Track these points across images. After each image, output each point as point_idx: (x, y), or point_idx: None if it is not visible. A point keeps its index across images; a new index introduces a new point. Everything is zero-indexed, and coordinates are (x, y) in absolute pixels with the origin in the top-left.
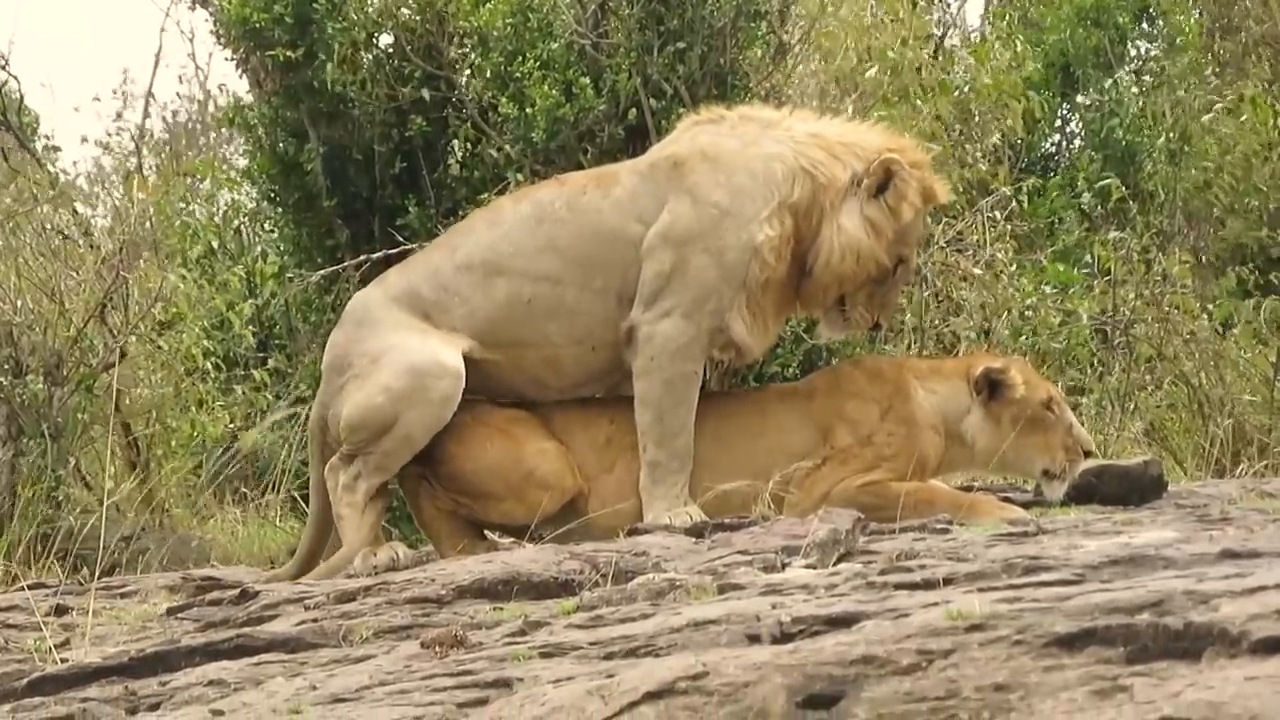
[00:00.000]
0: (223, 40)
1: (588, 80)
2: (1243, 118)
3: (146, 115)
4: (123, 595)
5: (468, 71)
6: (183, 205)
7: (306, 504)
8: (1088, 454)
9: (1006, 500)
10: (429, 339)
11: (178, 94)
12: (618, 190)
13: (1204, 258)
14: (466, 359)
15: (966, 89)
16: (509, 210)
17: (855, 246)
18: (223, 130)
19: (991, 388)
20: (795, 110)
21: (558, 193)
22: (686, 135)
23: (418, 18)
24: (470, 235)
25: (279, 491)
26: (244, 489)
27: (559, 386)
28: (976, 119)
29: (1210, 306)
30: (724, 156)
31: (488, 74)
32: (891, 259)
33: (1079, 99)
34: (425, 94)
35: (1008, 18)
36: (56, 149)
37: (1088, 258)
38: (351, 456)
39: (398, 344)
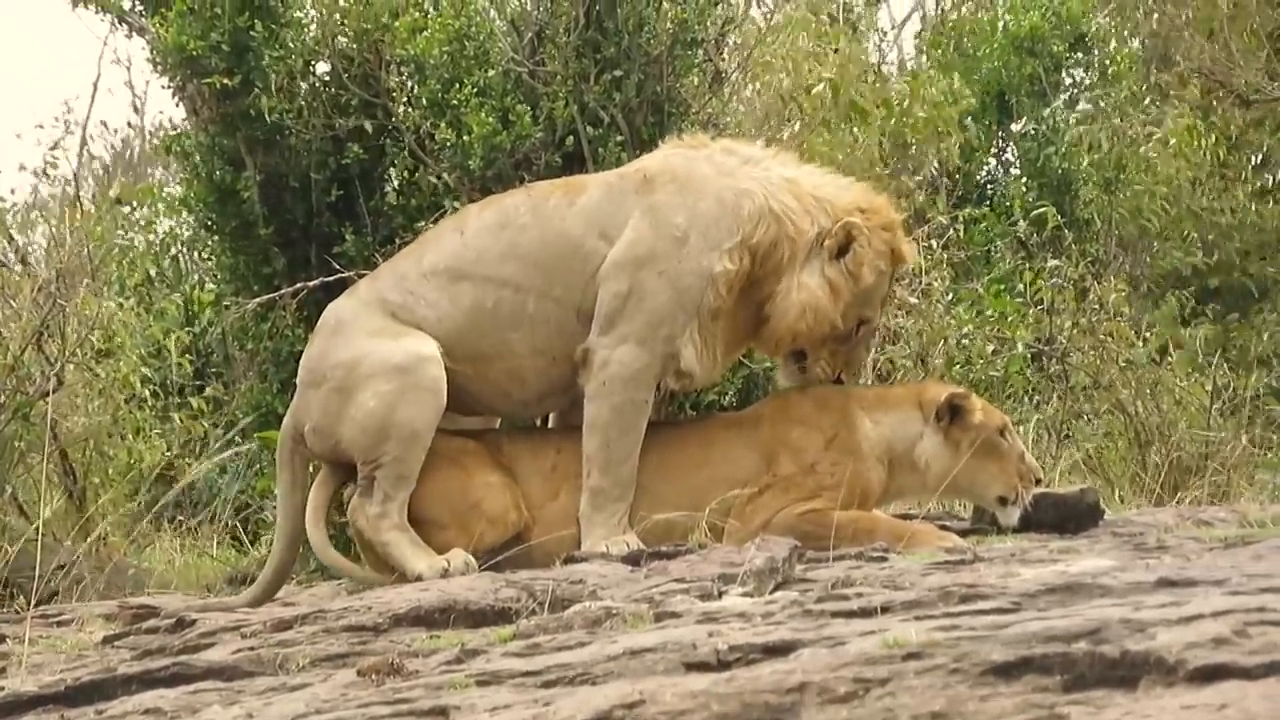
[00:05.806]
0: (159, 68)
1: (525, 108)
2: (1170, 143)
3: (84, 143)
4: (59, 624)
5: (405, 100)
6: (120, 233)
7: (244, 532)
8: (1038, 481)
9: (944, 529)
10: (400, 338)
11: (113, 124)
12: (583, 199)
13: (1140, 285)
14: None
15: (903, 118)
16: (474, 217)
17: (813, 305)
18: (161, 158)
19: (952, 413)
20: (780, 153)
21: (523, 199)
22: (662, 153)
23: (354, 46)
24: (437, 242)
25: (215, 521)
26: (180, 517)
27: (523, 399)
28: (913, 150)
29: (1147, 334)
30: (694, 181)
31: (424, 102)
32: (850, 321)
33: (1014, 127)
34: (363, 122)
35: (942, 48)
36: None
37: (1021, 287)
38: (370, 481)
39: (372, 350)
